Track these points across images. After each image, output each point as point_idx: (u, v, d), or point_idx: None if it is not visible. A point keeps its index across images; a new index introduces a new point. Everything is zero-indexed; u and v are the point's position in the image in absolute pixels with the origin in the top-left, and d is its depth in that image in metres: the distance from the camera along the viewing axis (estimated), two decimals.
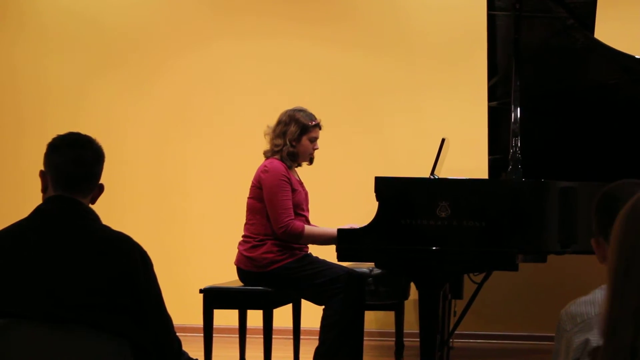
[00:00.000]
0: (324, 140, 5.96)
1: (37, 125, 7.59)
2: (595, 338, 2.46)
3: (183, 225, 7.46)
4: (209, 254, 7.31)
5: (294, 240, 5.22)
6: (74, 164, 2.85)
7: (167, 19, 7.59)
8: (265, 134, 5.45)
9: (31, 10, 7.71)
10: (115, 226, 2.84)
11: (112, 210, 6.81)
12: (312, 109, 5.48)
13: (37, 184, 2.88)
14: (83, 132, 2.97)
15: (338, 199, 7.18)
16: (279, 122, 5.40)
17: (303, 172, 5.64)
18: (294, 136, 5.33)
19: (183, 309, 6.01)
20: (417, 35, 7.30)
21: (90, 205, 2.90)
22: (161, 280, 2.86)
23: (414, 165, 6.77)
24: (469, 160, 6.73)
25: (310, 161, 5.49)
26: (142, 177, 7.52)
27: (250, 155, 6.18)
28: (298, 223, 5.21)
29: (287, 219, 5.19)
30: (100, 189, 2.93)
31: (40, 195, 2.92)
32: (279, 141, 5.34)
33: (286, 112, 5.42)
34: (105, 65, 7.62)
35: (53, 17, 7.69)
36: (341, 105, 7.30)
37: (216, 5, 7.57)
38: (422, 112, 7.25)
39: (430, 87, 7.25)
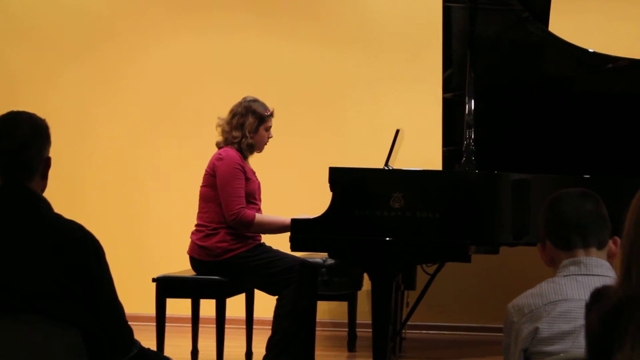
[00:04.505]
0: (281, 130, 5.96)
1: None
2: (544, 326, 2.49)
3: (136, 213, 7.41)
4: (162, 242, 7.28)
5: (245, 228, 5.21)
6: (5, 149, 2.78)
7: (137, 10, 7.52)
8: (217, 126, 5.41)
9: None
10: (70, 214, 2.80)
11: (68, 197, 6.78)
12: (269, 100, 5.47)
13: None
14: (51, 120, 2.90)
15: (293, 189, 7.17)
16: (234, 114, 5.35)
17: (260, 162, 5.63)
18: (252, 127, 5.32)
19: (136, 297, 5.99)
20: (374, 28, 7.31)
21: (44, 195, 2.84)
22: (114, 269, 2.84)
23: (369, 156, 6.78)
24: (423, 151, 6.74)
25: (261, 149, 5.48)
26: (95, 165, 7.45)
27: (205, 145, 6.14)
28: (249, 211, 5.20)
29: (238, 207, 5.18)
30: (47, 163, 2.84)
31: None
32: (237, 133, 5.31)
33: (240, 103, 5.38)
34: (74, 55, 7.52)
35: (22, 5, 7.59)
36: (298, 96, 7.29)
37: None
38: (378, 103, 7.27)
39: (386, 79, 7.26)
